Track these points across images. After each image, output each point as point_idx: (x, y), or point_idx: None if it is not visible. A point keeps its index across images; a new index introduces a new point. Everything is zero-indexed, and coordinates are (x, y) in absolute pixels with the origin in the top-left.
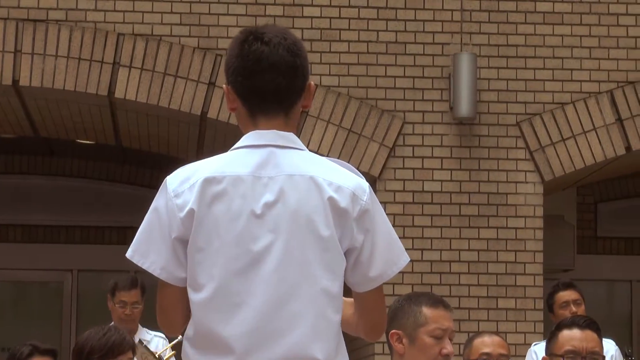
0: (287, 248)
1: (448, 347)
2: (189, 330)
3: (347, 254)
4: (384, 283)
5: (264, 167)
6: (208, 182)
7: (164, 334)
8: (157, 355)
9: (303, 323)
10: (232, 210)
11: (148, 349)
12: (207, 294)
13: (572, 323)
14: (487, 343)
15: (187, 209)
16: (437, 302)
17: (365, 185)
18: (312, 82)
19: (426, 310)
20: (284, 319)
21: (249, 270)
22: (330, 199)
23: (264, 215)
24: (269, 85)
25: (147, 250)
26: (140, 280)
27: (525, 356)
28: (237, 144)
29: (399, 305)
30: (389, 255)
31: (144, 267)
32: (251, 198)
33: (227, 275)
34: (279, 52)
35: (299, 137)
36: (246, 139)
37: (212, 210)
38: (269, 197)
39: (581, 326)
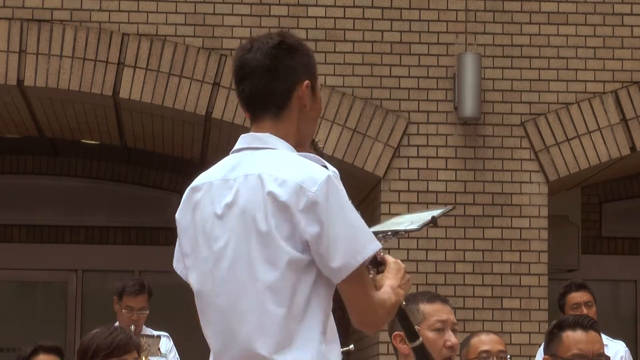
0: (237, 247)
1: (452, 339)
2: None
3: (306, 246)
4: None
5: (234, 170)
6: (192, 190)
7: (167, 333)
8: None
9: (250, 320)
10: (204, 215)
11: (150, 336)
12: (195, 296)
13: (575, 324)
14: (485, 341)
15: (176, 219)
16: (434, 297)
17: (321, 176)
18: (307, 81)
19: (423, 307)
20: (237, 317)
21: (214, 270)
22: (270, 193)
23: (224, 216)
24: (248, 90)
25: (176, 258)
26: (148, 284)
27: (530, 356)
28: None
29: None
30: (352, 245)
31: (177, 272)
32: (217, 201)
33: (202, 276)
34: (256, 57)
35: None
36: (236, 144)
37: (194, 217)
38: (228, 198)
39: (585, 327)
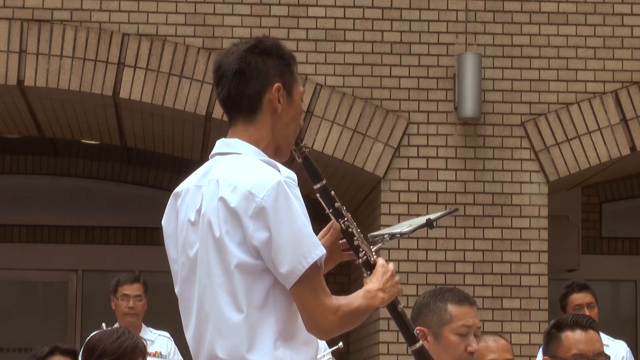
0: (200, 251)
1: (473, 345)
2: None
3: (257, 252)
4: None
5: (205, 176)
6: (175, 197)
7: (168, 333)
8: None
9: (210, 323)
10: (181, 221)
11: None
12: (178, 301)
13: (574, 324)
14: (492, 349)
15: (162, 225)
16: (463, 299)
17: (270, 182)
18: (277, 84)
19: (451, 308)
20: (202, 321)
21: (191, 276)
22: (221, 199)
23: (197, 222)
24: (221, 93)
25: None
26: (143, 278)
27: (530, 356)
28: None
29: (424, 302)
30: (297, 250)
31: None
32: (191, 207)
33: (182, 282)
34: (228, 61)
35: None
36: (213, 149)
37: (177, 224)
38: (198, 205)
39: (584, 327)
